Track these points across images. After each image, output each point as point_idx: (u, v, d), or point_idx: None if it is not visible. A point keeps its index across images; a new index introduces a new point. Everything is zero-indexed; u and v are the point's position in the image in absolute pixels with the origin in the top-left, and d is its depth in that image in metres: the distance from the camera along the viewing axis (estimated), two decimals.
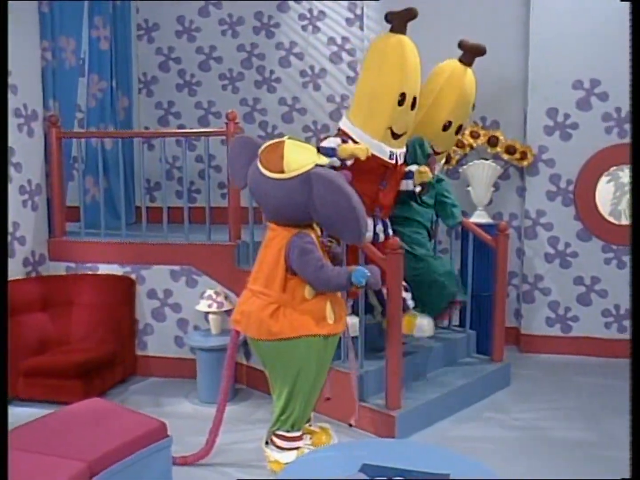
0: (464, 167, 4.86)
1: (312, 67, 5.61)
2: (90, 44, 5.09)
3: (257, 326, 2.93)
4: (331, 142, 3.49)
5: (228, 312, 4.15)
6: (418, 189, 3.85)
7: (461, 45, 4.08)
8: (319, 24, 5.55)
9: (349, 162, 3.43)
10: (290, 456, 2.99)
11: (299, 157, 2.83)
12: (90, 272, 4.47)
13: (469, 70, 4.10)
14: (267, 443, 3.14)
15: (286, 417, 3.03)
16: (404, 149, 3.79)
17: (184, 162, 4.47)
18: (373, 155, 3.53)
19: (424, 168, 3.77)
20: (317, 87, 5.62)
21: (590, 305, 4.90)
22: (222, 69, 5.70)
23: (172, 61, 5.72)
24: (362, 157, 3.34)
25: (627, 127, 4.71)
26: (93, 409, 2.69)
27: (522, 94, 4.97)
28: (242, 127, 4.95)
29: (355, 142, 3.56)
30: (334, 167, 3.29)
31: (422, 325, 3.87)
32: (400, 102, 3.55)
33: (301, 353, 2.91)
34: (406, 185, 3.85)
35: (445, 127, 4.09)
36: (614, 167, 4.78)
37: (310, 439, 3.18)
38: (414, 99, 3.62)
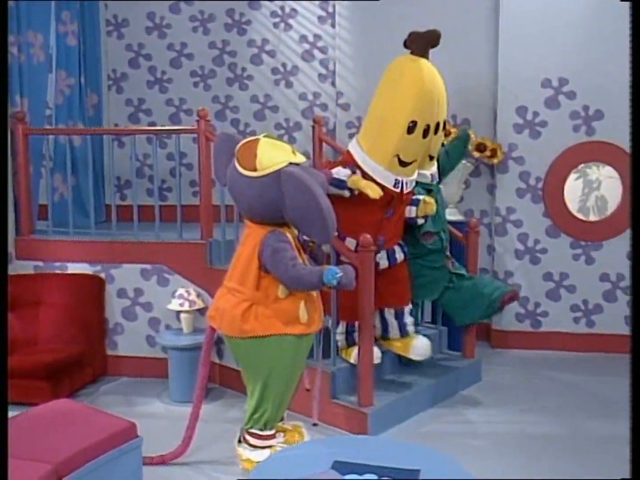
0: None
1: (284, 65, 5.59)
2: (57, 39, 5.00)
3: (230, 323, 2.94)
4: (339, 172, 3.49)
5: (200, 311, 4.14)
6: (421, 220, 3.75)
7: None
8: (290, 21, 5.53)
9: (356, 192, 3.49)
10: (263, 454, 2.98)
11: (272, 155, 2.82)
12: (58, 272, 4.39)
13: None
14: (240, 441, 3.13)
15: (259, 416, 3.03)
16: (414, 177, 3.67)
17: (154, 159, 4.42)
18: (377, 183, 3.48)
19: (430, 199, 3.65)
20: (289, 85, 5.60)
21: (559, 300, 4.97)
22: (194, 66, 5.64)
23: (142, 58, 5.65)
24: (372, 196, 3.40)
25: (595, 124, 4.79)
26: (61, 410, 2.65)
27: (492, 92, 5.01)
28: (213, 124, 4.92)
29: (359, 166, 3.54)
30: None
31: (419, 347, 3.78)
32: (410, 130, 3.41)
33: (273, 352, 2.91)
34: (409, 212, 3.73)
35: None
36: (582, 165, 4.85)
37: (284, 437, 3.18)
38: (428, 126, 3.46)
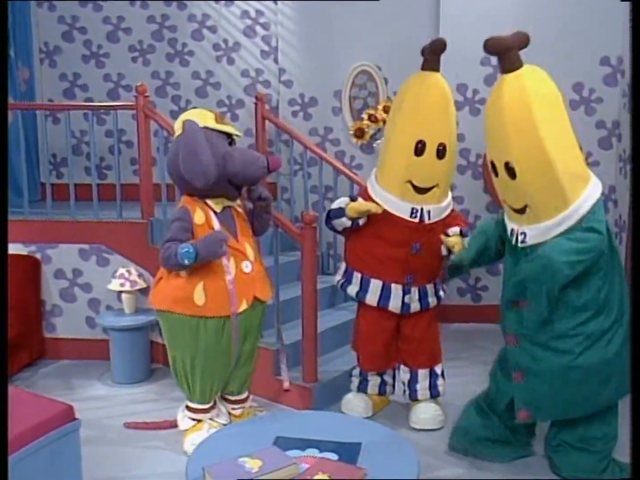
0: (378, 142, 4.91)
1: (225, 41, 5.48)
2: None
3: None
4: (339, 202, 3.20)
5: (142, 291, 4.07)
6: (444, 252, 3.15)
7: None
8: None
9: (361, 222, 3.14)
10: (185, 424, 3.09)
11: (187, 114, 2.88)
12: None
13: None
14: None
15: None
16: (442, 204, 3.19)
17: (91, 136, 4.28)
18: (392, 214, 3.12)
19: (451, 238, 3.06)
20: (231, 61, 5.50)
21: (499, 275, 5.08)
22: (132, 40, 5.47)
23: (76, 31, 5.44)
24: (374, 211, 3.06)
25: None
26: None
27: None
28: (153, 101, 4.80)
29: (373, 200, 3.15)
30: (345, 229, 3.21)
31: (419, 415, 3.30)
32: (419, 152, 3.06)
33: (167, 328, 2.98)
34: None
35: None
36: None
37: (221, 415, 3.19)
38: (442, 146, 3.09)
